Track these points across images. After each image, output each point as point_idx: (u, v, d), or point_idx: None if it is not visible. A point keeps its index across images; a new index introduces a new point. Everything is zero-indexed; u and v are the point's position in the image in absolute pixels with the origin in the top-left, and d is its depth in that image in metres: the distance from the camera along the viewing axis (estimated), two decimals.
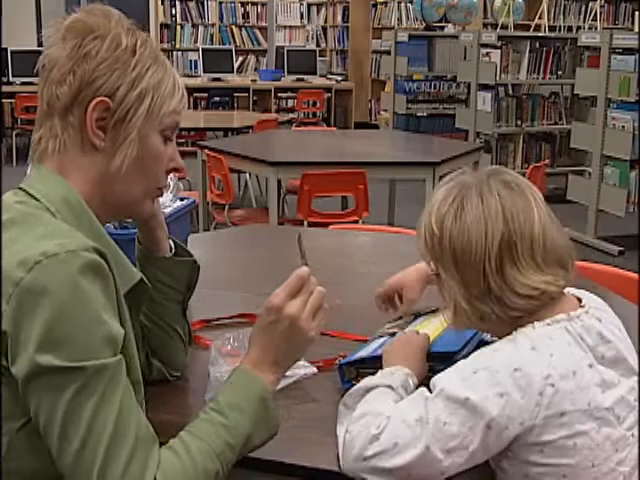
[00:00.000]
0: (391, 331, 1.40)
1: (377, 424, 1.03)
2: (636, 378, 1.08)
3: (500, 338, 1.11)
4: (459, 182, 1.12)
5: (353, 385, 1.29)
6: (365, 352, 1.33)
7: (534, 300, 1.06)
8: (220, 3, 10.94)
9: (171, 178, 1.77)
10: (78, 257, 0.91)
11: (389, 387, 1.12)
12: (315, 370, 1.35)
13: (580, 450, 1.00)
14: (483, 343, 1.29)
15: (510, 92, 7.03)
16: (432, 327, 1.35)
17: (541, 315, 1.08)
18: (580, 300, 1.13)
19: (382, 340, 1.38)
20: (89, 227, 1.03)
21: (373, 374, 1.24)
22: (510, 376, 0.99)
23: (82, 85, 1.03)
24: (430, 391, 1.06)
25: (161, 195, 1.18)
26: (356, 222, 3.81)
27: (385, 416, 1.04)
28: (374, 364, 1.28)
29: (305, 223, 3.83)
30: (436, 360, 1.25)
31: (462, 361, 1.06)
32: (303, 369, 1.34)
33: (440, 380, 1.05)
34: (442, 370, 1.24)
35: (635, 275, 1.97)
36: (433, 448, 0.99)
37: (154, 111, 1.07)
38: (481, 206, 1.07)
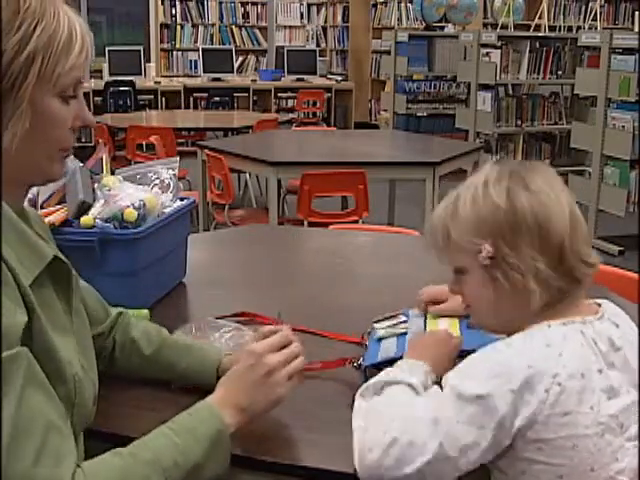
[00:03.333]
0: (399, 331, 1.40)
1: (396, 427, 1.02)
2: None
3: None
4: (500, 166, 1.10)
5: None
6: (386, 353, 1.33)
7: (588, 274, 1.06)
8: (220, 3, 10.93)
9: (171, 178, 1.77)
10: None
11: (410, 386, 1.10)
12: None
13: (579, 452, 0.99)
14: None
15: (510, 92, 7.03)
16: (447, 326, 1.36)
17: (560, 313, 1.07)
18: (599, 305, 1.12)
19: (395, 340, 1.38)
20: None
21: None
22: (523, 373, 0.98)
23: None
24: (441, 387, 1.05)
25: (69, 154, 1.07)
26: (356, 222, 3.81)
27: (403, 417, 1.03)
28: None
29: (305, 223, 3.83)
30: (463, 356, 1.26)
31: (475, 356, 1.05)
32: None
33: (453, 377, 1.03)
34: None
35: (635, 275, 1.97)
36: (447, 447, 0.99)
37: (46, 74, 0.95)
38: (539, 176, 1.07)
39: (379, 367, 1.30)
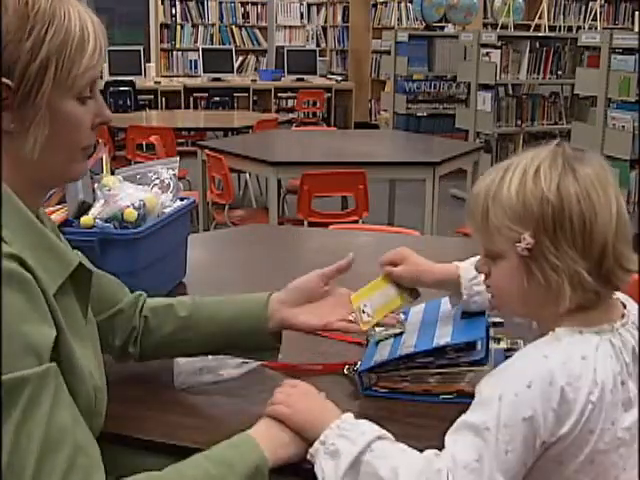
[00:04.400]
0: (394, 332, 1.40)
1: None
2: None
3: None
4: (555, 153, 1.02)
5: (373, 391, 1.30)
6: (380, 356, 1.33)
7: (626, 281, 1.01)
8: (220, 3, 10.94)
9: (171, 178, 1.77)
10: None
11: (378, 439, 1.02)
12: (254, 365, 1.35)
13: (596, 467, 0.97)
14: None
15: (510, 92, 7.03)
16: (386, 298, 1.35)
17: (591, 318, 1.02)
18: (624, 306, 1.07)
19: (391, 341, 1.37)
20: (15, 215, 0.94)
21: (396, 377, 1.27)
22: (561, 390, 0.94)
23: None
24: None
25: (92, 152, 1.10)
26: (356, 222, 3.81)
27: (445, 469, 0.94)
28: (397, 366, 1.28)
29: (305, 223, 3.83)
30: (461, 350, 1.26)
31: (510, 370, 0.98)
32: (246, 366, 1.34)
33: (491, 401, 0.95)
34: (468, 361, 1.26)
35: (635, 275, 1.97)
36: (497, 476, 0.93)
37: (62, 78, 0.95)
38: (592, 170, 1.00)
39: (372, 371, 1.30)
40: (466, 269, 1.36)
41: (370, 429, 1.03)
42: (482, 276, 1.26)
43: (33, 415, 0.84)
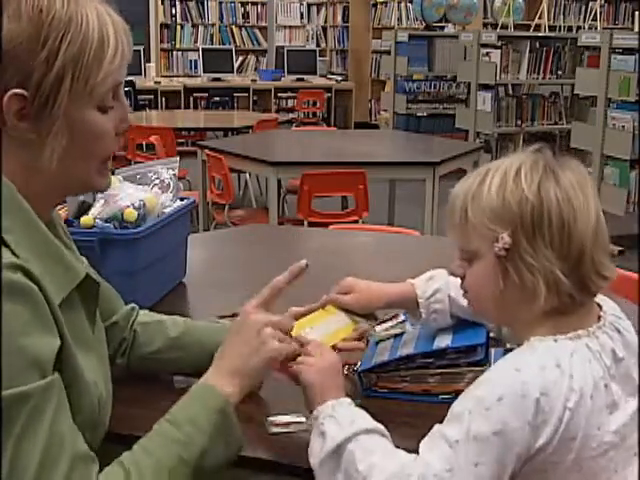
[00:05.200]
0: (395, 332, 1.40)
1: None
2: None
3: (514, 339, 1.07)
4: (536, 156, 1.03)
5: (373, 391, 1.30)
6: (380, 357, 1.33)
7: (602, 287, 1.01)
8: (220, 3, 10.94)
9: (171, 178, 1.77)
10: None
11: (365, 432, 1.01)
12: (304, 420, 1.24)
13: (585, 474, 0.96)
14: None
15: (510, 92, 7.03)
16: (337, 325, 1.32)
17: (567, 324, 1.01)
18: (600, 307, 1.06)
19: (391, 341, 1.38)
20: (25, 224, 0.93)
21: (396, 377, 1.27)
22: (536, 402, 0.93)
23: None
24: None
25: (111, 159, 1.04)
26: (356, 222, 3.81)
27: (416, 476, 0.94)
28: (397, 366, 1.29)
29: (305, 223, 3.83)
30: (461, 353, 1.26)
31: (482, 384, 0.97)
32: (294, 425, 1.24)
33: (462, 415, 0.95)
34: (467, 362, 1.26)
35: (635, 275, 1.97)
36: None
37: (79, 88, 0.92)
38: (572, 175, 1.00)
39: (372, 371, 1.31)
40: (421, 287, 1.35)
41: (361, 420, 1.03)
42: (439, 294, 1.27)
43: (34, 430, 0.84)
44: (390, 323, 1.43)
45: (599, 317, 1.04)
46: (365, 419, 1.04)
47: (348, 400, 1.08)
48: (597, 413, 0.96)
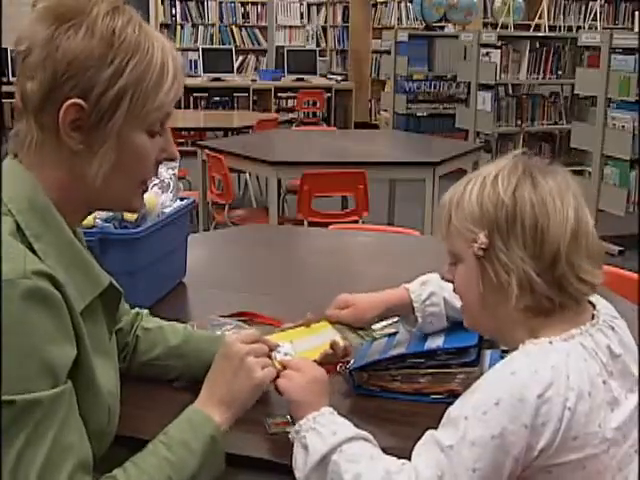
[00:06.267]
0: (389, 331, 1.40)
1: None
2: None
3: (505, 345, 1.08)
4: (516, 161, 1.07)
5: (365, 389, 1.30)
6: (372, 355, 1.33)
7: (583, 291, 1.03)
8: (220, 3, 10.94)
9: (171, 178, 1.77)
10: (16, 286, 0.84)
11: (348, 441, 1.02)
12: None
13: (589, 472, 0.96)
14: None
15: (510, 92, 7.03)
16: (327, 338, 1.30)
17: (557, 326, 1.03)
18: (594, 306, 1.08)
19: (385, 340, 1.38)
20: (55, 232, 0.96)
21: (387, 376, 1.28)
22: (534, 404, 0.93)
23: (53, 85, 0.93)
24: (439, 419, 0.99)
25: (148, 187, 1.09)
26: (356, 222, 3.81)
27: None
28: (388, 365, 1.29)
29: (305, 223, 3.83)
30: (452, 354, 1.26)
31: (479, 389, 0.97)
32: None
33: (459, 420, 0.95)
34: (458, 363, 1.26)
35: (635, 275, 1.97)
36: None
37: (135, 110, 0.97)
38: (553, 181, 1.04)
39: (364, 369, 1.31)
40: (416, 291, 1.36)
41: (343, 429, 1.04)
42: (434, 297, 1.31)
43: (40, 437, 0.85)
44: (386, 322, 1.43)
45: (593, 316, 1.06)
46: (347, 426, 1.05)
47: (330, 409, 1.08)
48: (597, 410, 0.96)
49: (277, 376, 1.14)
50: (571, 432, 0.94)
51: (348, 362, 1.35)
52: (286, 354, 1.21)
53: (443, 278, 1.16)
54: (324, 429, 1.04)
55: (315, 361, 1.21)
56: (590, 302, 1.08)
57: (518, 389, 0.94)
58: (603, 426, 0.96)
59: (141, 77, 0.96)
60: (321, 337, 1.29)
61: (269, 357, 1.16)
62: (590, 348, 1.00)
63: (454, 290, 1.13)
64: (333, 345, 1.23)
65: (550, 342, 1.00)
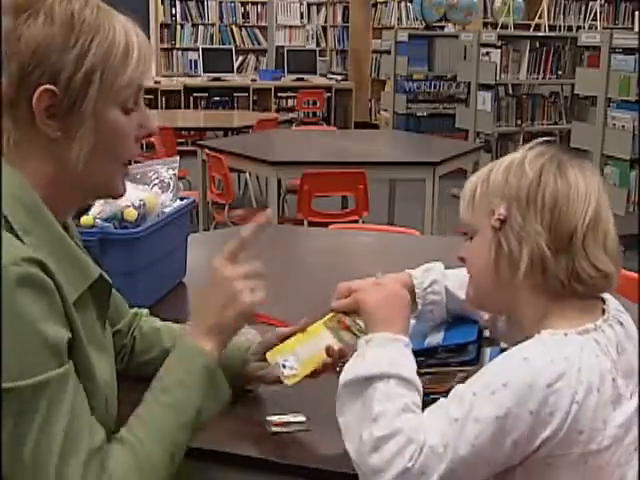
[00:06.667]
0: None
1: (409, 452, 0.95)
2: None
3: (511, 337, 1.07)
4: (545, 148, 1.10)
5: None
6: None
7: (596, 281, 1.04)
8: (220, 3, 10.93)
9: (171, 178, 1.77)
10: (8, 272, 0.85)
11: (399, 379, 1.02)
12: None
13: (590, 468, 0.97)
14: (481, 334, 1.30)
15: (510, 92, 7.03)
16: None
17: (568, 310, 1.04)
18: (604, 301, 1.09)
19: None
20: (44, 226, 0.96)
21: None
22: (542, 392, 0.94)
23: (22, 75, 0.93)
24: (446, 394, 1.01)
25: (130, 164, 1.09)
26: (356, 222, 3.81)
27: (416, 442, 0.96)
28: None
29: (305, 223, 3.83)
30: (451, 352, 1.26)
31: (490, 369, 0.99)
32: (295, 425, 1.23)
33: (465, 395, 0.97)
34: (458, 362, 1.26)
35: (635, 274, 1.97)
36: (459, 470, 0.94)
37: (107, 87, 0.97)
38: (579, 171, 1.06)
39: None
40: (419, 278, 1.34)
41: (402, 367, 1.04)
42: (436, 285, 1.30)
43: (55, 414, 0.86)
44: None
45: (603, 311, 1.07)
46: (406, 367, 1.05)
47: (406, 341, 1.09)
48: (603, 407, 0.97)
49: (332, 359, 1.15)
50: (577, 425, 0.94)
51: (346, 361, 1.34)
52: (291, 367, 1.20)
53: (459, 258, 1.16)
54: (388, 355, 1.05)
55: (315, 370, 1.21)
56: (600, 297, 1.09)
57: (529, 375, 0.95)
58: (607, 424, 0.97)
59: (106, 55, 0.97)
60: (318, 341, 1.27)
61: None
62: (603, 344, 1.01)
63: (466, 267, 1.14)
64: (329, 351, 1.23)
65: (565, 334, 1.01)
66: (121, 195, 1.09)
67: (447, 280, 1.32)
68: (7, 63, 0.93)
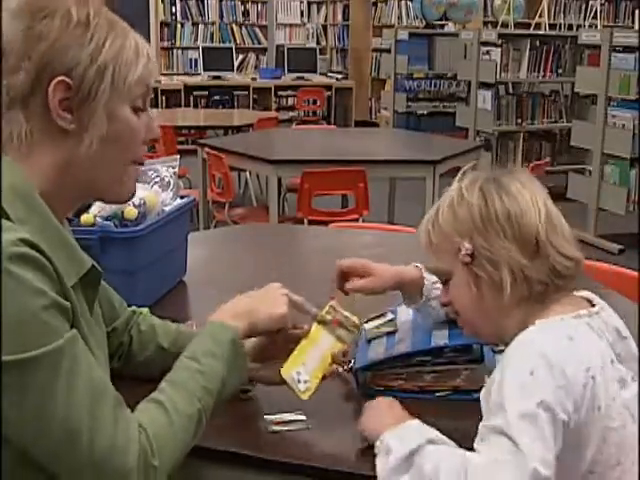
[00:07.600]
0: (387, 330, 1.40)
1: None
2: None
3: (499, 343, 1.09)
4: (474, 175, 1.13)
5: (369, 389, 1.30)
6: (375, 354, 1.33)
7: (572, 270, 1.06)
8: (220, 1, 10.93)
9: (171, 176, 1.77)
10: (4, 250, 0.86)
11: (432, 441, 1.00)
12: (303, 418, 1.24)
13: (609, 446, 0.98)
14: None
15: (510, 90, 7.03)
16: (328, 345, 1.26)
17: (555, 305, 1.06)
18: (590, 301, 1.11)
19: (385, 339, 1.37)
20: (40, 216, 0.98)
21: (392, 375, 1.29)
22: (560, 369, 0.95)
23: (39, 69, 0.97)
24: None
25: (140, 167, 1.12)
26: (356, 220, 3.81)
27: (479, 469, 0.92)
28: (394, 364, 1.29)
29: (305, 221, 3.83)
30: (458, 352, 1.27)
31: (507, 369, 0.97)
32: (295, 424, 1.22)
33: (502, 403, 0.94)
34: (464, 360, 1.27)
35: (635, 274, 1.97)
36: (539, 467, 0.90)
37: (119, 83, 1.02)
38: (516, 179, 1.10)
39: (369, 369, 1.31)
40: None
41: (426, 432, 1.02)
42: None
43: (76, 379, 0.90)
44: (378, 321, 1.43)
45: (593, 305, 1.09)
46: (430, 431, 1.02)
47: (417, 421, 1.06)
48: (611, 385, 1.00)
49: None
50: (595, 401, 0.96)
51: (348, 362, 1.35)
52: (305, 381, 1.20)
53: (442, 303, 1.20)
54: (408, 435, 1.01)
55: (324, 376, 1.21)
56: (587, 299, 1.11)
57: (544, 356, 0.96)
58: (617, 400, 1.00)
59: (119, 52, 1.02)
60: (321, 345, 1.27)
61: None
62: (597, 328, 1.04)
63: (453, 311, 1.16)
64: (333, 358, 1.24)
65: (562, 318, 1.04)
66: (129, 198, 1.13)
67: None
68: (26, 59, 0.96)
